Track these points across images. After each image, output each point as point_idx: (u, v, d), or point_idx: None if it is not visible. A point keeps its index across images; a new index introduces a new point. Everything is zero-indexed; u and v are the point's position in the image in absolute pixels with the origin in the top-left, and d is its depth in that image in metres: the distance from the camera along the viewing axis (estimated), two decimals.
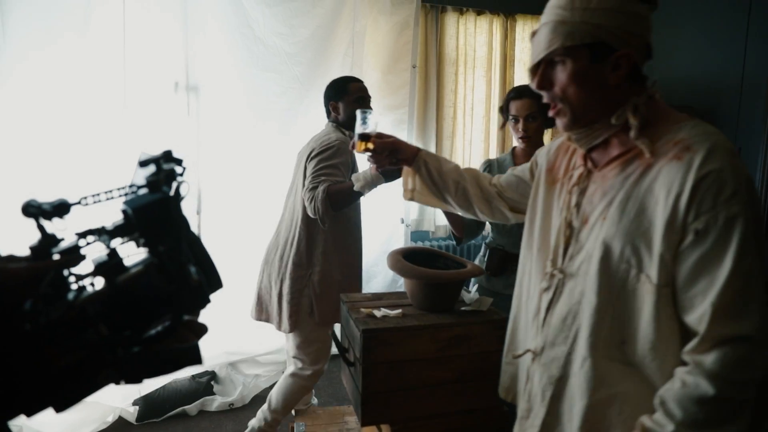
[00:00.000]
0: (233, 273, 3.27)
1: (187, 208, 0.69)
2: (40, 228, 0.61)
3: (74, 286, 0.62)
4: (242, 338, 3.32)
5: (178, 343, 0.67)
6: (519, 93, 2.11)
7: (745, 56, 3.49)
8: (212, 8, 3.10)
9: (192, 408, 2.96)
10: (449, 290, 1.67)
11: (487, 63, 4.23)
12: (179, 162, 0.68)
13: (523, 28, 4.33)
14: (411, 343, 1.56)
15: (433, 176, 1.48)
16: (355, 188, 1.98)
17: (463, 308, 1.70)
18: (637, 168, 0.99)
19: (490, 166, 2.23)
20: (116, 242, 0.63)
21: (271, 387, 3.29)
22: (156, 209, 0.64)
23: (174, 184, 0.66)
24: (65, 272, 0.61)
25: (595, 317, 1.01)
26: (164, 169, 0.66)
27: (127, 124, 2.79)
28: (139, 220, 0.62)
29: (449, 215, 2.08)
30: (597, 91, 1.02)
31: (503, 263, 2.10)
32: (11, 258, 0.62)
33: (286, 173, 3.49)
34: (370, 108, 2.44)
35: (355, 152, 1.87)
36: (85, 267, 0.62)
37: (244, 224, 3.34)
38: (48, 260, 0.60)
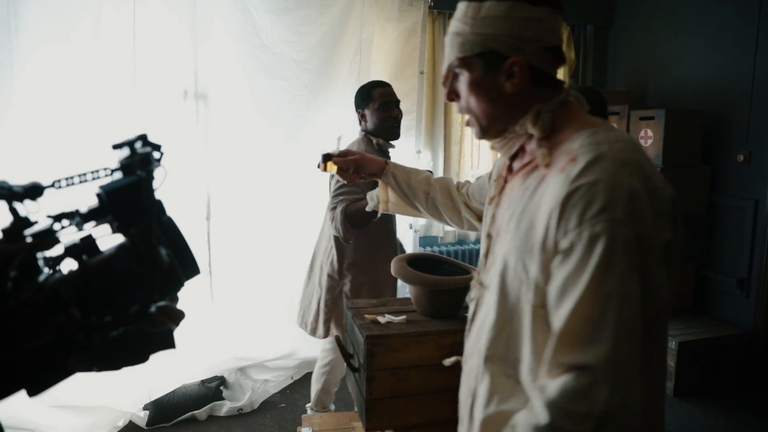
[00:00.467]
0: (241, 279, 3.30)
1: (164, 200, 0.68)
2: (12, 210, 0.61)
3: (47, 270, 0.62)
4: (251, 344, 3.34)
5: (152, 327, 0.67)
6: None
7: (756, 60, 3.46)
8: (220, 17, 3.14)
9: (201, 413, 2.97)
10: (453, 296, 1.68)
11: None
12: (158, 147, 0.67)
13: None
14: (415, 349, 1.56)
15: (402, 188, 1.54)
16: (367, 209, 1.89)
17: (466, 314, 1.69)
18: (535, 179, 0.95)
19: None
20: (90, 226, 0.63)
21: (280, 392, 3.33)
22: (128, 192, 0.63)
23: (149, 168, 0.65)
24: (38, 255, 0.61)
25: (492, 332, 0.98)
26: (138, 153, 0.65)
27: (136, 132, 2.82)
28: (112, 203, 0.62)
29: None
30: (497, 101, 0.98)
31: None
32: None
33: (295, 179, 3.52)
34: (400, 112, 2.46)
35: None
36: (58, 250, 0.62)
37: (253, 230, 3.36)
38: (20, 242, 0.60)
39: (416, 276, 1.65)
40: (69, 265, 0.63)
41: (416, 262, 1.77)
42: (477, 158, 4.31)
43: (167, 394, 2.99)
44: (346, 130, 3.74)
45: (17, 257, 0.59)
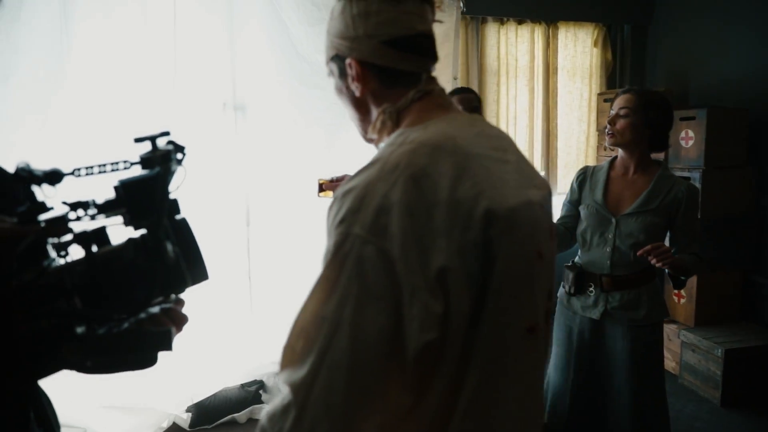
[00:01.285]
0: (281, 284, 3.37)
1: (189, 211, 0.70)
2: (30, 194, 0.62)
3: (55, 256, 0.63)
4: None
5: (151, 327, 0.68)
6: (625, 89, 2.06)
7: None
8: (256, 30, 3.23)
9: (241, 416, 3.05)
10: None
11: (529, 72, 4.21)
12: (181, 148, 0.69)
13: (566, 35, 4.28)
14: None
15: None
16: None
17: None
18: None
19: (584, 173, 2.16)
20: (103, 216, 0.64)
21: None
22: (143, 186, 0.64)
23: (168, 165, 0.66)
24: (48, 240, 0.62)
25: None
26: (159, 149, 0.67)
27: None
28: (127, 195, 0.63)
29: None
30: (356, 106, 0.94)
31: (580, 282, 2.04)
32: None
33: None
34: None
35: None
36: (68, 237, 0.64)
37: (292, 237, 3.43)
38: (33, 226, 0.61)
39: None
40: (78, 254, 0.64)
41: None
42: None
43: (209, 397, 3.07)
44: None
45: (27, 240, 0.60)
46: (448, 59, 3.85)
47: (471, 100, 2.41)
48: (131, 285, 0.65)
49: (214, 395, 3.11)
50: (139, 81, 2.85)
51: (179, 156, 0.69)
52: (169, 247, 0.66)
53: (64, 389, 2.43)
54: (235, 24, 3.15)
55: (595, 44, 4.32)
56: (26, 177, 0.62)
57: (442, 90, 0.95)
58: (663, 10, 4.37)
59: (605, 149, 4.11)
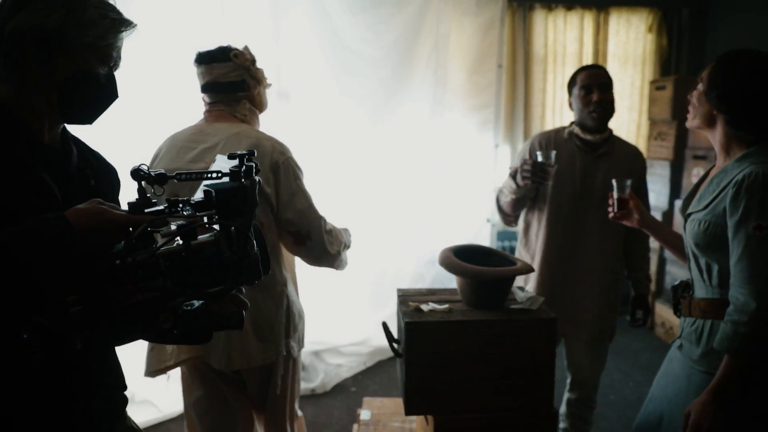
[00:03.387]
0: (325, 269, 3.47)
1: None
2: (141, 190, 0.79)
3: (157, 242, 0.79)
4: (327, 329, 3.51)
5: (228, 307, 0.84)
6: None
7: None
8: (300, 18, 3.32)
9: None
10: (497, 287, 1.70)
11: (577, 60, 4.10)
12: (256, 164, 0.84)
13: (618, 21, 4.14)
14: (454, 337, 1.61)
15: None
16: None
17: (513, 306, 1.72)
18: None
19: None
20: (196, 214, 0.79)
21: (352, 377, 3.48)
22: (234, 194, 0.78)
23: (251, 178, 0.81)
24: (151, 229, 0.77)
25: None
26: (247, 164, 0.81)
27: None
28: (218, 199, 0.77)
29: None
30: None
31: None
32: (114, 206, 0.80)
33: (373, 170, 3.64)
34: (606, 97, 2.08)
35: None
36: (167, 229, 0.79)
37: (335, 219, 3.52)
38: (142, 215, 0.78)
39: (459, 266, 1.70)
40: (173, 243, 0.79)
41: (464, 253, 1.81)
42: None
43: None
44: (423, 124, 3.81)
45: (141, 226, 0.76)
46: (492, 47, 3.82)
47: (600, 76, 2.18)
48: (213, 273, 0.78)
49: None
50: (183, 68, 2.98)
51: (255, 170, 0.82)
52: (255, 245, 0.80)
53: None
54: (279, 11, 3.24)
55: (650, 30, 4.16)
56: (143, 176, 0.78)
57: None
58: None
59: (655, 139, 3.96)
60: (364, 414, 2.36)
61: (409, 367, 1.61)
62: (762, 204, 1.27)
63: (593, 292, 2.17)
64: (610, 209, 1.80)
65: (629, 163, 2.16)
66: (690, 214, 1.48)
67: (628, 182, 1.76)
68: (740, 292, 1.30)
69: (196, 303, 0.80)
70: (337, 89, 3.48)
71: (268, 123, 3.27)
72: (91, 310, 0.72)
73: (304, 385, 3.25)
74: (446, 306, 1.70)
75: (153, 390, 2.90)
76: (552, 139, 2.21)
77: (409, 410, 1.65)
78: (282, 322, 1.69)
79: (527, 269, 1.71)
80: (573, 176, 2.13)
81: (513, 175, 2.07)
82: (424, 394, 1.63)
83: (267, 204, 1.62)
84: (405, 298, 1.81)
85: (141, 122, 2.81)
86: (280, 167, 1.64)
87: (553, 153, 1.99)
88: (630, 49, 4.16)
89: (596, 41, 4.10)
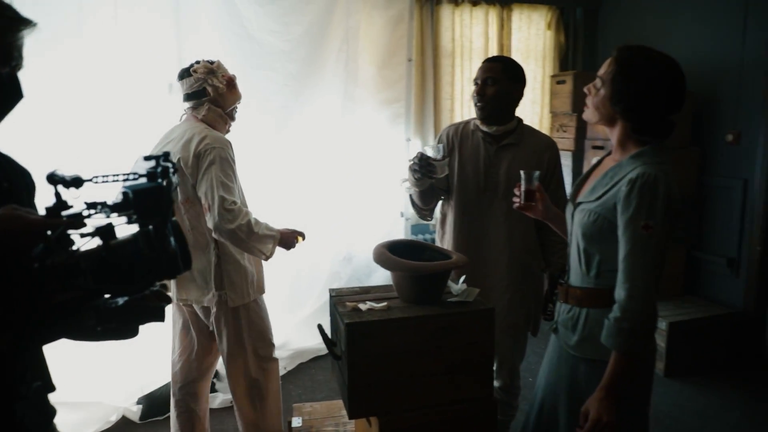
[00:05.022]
0: None
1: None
2: (57, 194, 0.79)
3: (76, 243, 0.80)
4: None
5: (150, 302, 0.87)
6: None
7: (744, 39, 3.45)
8: (204, 8, 3.12)
9: None
10: (435, 282, 1.68)
11: (483, 54, 4.21)
12: (173, 164, 0.87)
13: (519, 17, 4.31)
14: (396, 335, 1.57)
15: None
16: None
17: (449, 299, 1.70)
18: None
19: None
20: (113, 216, 0.80)
21: None
22: (151, 194, 0.81)
23: (168, 178, 0.84)
24: (69, 231, 0.78)
25: None
26: (162, 165, 0.84)
27: (120, 127, 2.81)
28: (136, 200, 0.80)
29: None
30: None
31: None
32: (30, 212, 0.81)
33: (284, 169, 3.52)
34: (488, 89, 2.11)
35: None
36: (85, 230, 0.80)
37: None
38: (59, 219, 0.78)
39: (397, 262, 1.65)
40: (93, 243, 0.80)
41: (398, 248, 1.77)
42: None
43: (160, 388, 3.00)
44: (334, 119, 3.73)
45: (59, 230, 0.77)
46: (402, 41, 3.82)
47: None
48: (134, 269, 0.81)
49: (166, 385, 3.02)
50: (77, 59, 2.70)
51: (172, 169, 0.86)
52: (172, 242, 0.83)
53: None
54: (182, 2, 3.03)
55: (549, 27, 4.37)
56: (58, 181, 0.78)
57: None
58: None
59: (557, 131, 4.17)
60: (296, 421, 2.26)
61: (352, 369, 1.54)
62: (651, 204, 1.33)
63: (502, 284, 2.19)
64: (515, 199, 1.75)
65: (537, 154, 2.15)
66: (580, 204, 1.52)
67: (536, 174, 1.73)
68: (623, 288, 1.35)
69: (120, 300, 0.83)
70: (245, 83, 3.28)
71: (170, 118, 3.07)
72: (13, 313, 0.75)
73: (224, 397, 3.07)
74: (384, 304, 1.65)
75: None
76: (459, 131, 2.24)
77: (353, 413, 1.58)
78: (213, 274, 2.18)
79: (464, 262, 1.70)
80: (477, 167, 2.16)
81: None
82: (367, 395, 1.57)
83: (192, 182, 2.11)
84: (340, 298, 1.74)
85: (47, 125, 2.58)
86: (201, 156, 2.09)
87: (441, 146, 2.02)
88: (531, 44, 4.35)
89: (501, 36, 4.23)
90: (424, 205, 2.27)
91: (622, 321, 1.33)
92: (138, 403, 2.94)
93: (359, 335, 1.53)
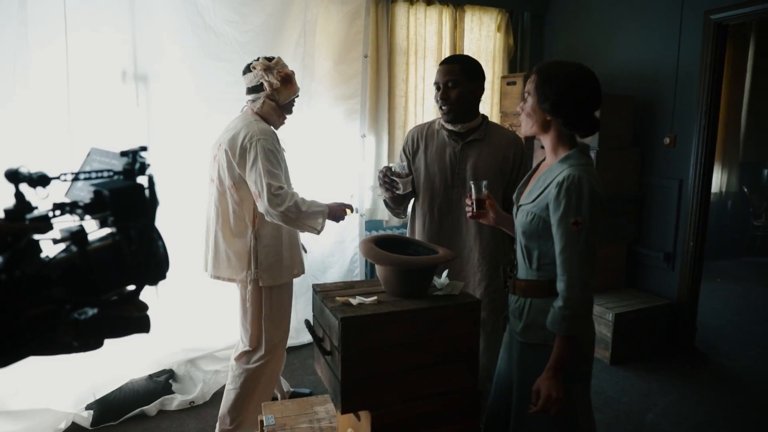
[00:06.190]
0: (186, 268, 3.18)
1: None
2: (19, 194, 0.68)
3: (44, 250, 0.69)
4: (200, 334, 3.25)
5: (132, 312, 0.76)
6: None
7: (680, 47, 3.70)
8: None
9: (151, 408, 2.87)
10: (423, 276, 1.70)
11: (437, 53, 4.28)
12: (148, 163, 0.78)
13: (471, 18, 4.41)
14: (388, 329, 1.57)
15: None
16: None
17: (435, 293, 1.73)
18: None
19: None
20: (86, 217, 0.71)
21: None
22: (130, 193, 0.73)
23: (151, 175, 0.76)
24: (35, 236, 0.68)
25: None
26: (138, 161, 0.75)
27: (72, 115, 2.65)
28: (113, 200, 0.71)
29: None
30: None
31: None
32: None
33: None
34: (450, 93, 2.14)
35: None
36: (54, 235, 0.70)
37: (195, 216, 3.25)
38: (22, 223, 0.67)
39: (386, 257, 1.66)
40: (59, 249, 0.70)
41: (382, 243, 1.77)
42: None
43: (113, 392, 2.85)
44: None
45: (25, 235, 0.66)
46: (358, 37, 3.82)
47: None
48: (115, 278, 0.72)
49: (119, 389, 2.89)
50: (27, 48, 2.52)
51: (149, 162, 0.78)
52: (160, 244, 0.75)
53: None
54: None
55: (498, 29, 4.50)
56: (17, 179, 0.68)
57: None
58: (558, 0, 4.64)
59: None
60: (267, 419, 2.22)
61: (345, 363, 1.53)
62: (578, 203, 1.49)
63: (474, 279, 2.23)
64: (468, 209, 1.86)
65: (503, 149, 2.20)
66: (521, 205, 1.68)
67: (484, 183, 1.83)
68: (562, 280, 1.52)
69: (90, 311, 0.72)
70: (200, 73, 3.20)
71: (124, 106, 2.92)
72: None
73: (182, 398, 2.97)
74: (374, 298, 1.65)
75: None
76: (424, 132, 2.29)
77: (346, 408, 1.58)
78: (249, 256, 2.43)
79: (452, 256, 1.73)
80: (443, 165, 2.21)
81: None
82: (360, 389, 1.57)
83: (238, 171, 2.36)
84: (326, 293, 1.73)
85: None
86: (247, 149, 2.33)
87: (405, 164, 2.14)
88: (482, 45, 4.46)
89: (453, 37, 4.32)
90: (395, 206, 2.33)
91: (565, 309, 1.50)
92: (88, 408, 2.78)
93: (354, 330, 1.52)
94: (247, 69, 2.46)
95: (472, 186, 1.83)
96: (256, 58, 2.46)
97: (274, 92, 2.44)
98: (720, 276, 5.65)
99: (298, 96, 2.57)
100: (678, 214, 3.78)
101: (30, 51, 2.53)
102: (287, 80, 2.46)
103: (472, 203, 1.83)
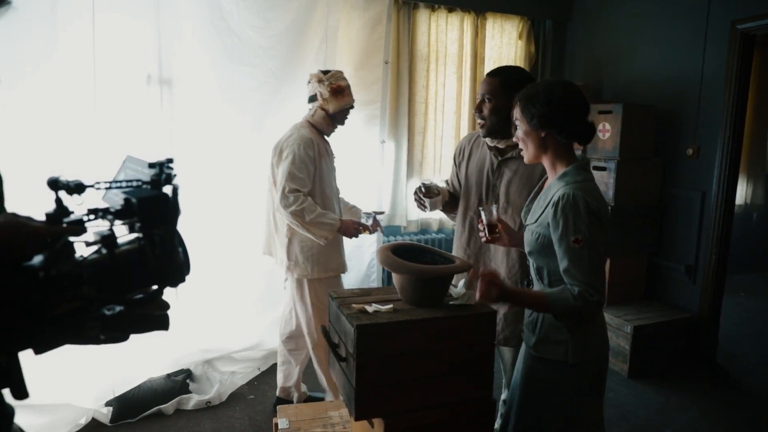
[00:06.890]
0: (207, 269, 3.23)
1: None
2: (59, 200, 0.76)
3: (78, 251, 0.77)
4: (217, 335, 3.29)
5: (154, 311, 0.84)
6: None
7: (704, 57, 3.65)
8: (185, 0, 3.04)
9: (168, 407, 2.91)
10: (439, 285, 1.70)
11: (458, 60, 4.29)
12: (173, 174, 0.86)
13: (493, 26, 4.40)
14: (403, 337, 1.58)
15: None
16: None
17: (451, 302, 1.73)
18: None
19: None
20: (117, 223, 0.78)
21: (248, 384, 3.29)
22: (156, 202, 0.79)
23: (175, 185, 0.82)
24: (70, 239, 0.76)
25: None
26: (166, 172, 0.82)
27: (98, 119, 2.71)
28: (141, 208, 0.78)
29: None
30: None
31: None
32: (31, 218, 0.78)
33: (259, 168, 3.46)
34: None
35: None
36: (86, 237, 0.78)
37: (218, 219, 3.30)
38: (60, 226, 0.76)
39: (403, 265, 1.67)
40: (91, 251, 0.78)
41: (399, 251, 1.78)
42: (440, 149, 4.36)
43: (132, 389, 2.90)
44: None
45: (63, 237, 0.74)
46: (379, 43, 3.84)
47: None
48: (139, 279, 0.79)
49: (138, 387, 2.94)
50: (55, 51, 2.58)
51: (174, 173, 0.84)
52: (180, 251, 0.82)
53: None
54: None
55: (520, 37, 4.48)
56: (58, 186, 0.75)
57: None
58: (581, 8, 4.61)
59: None
60: (282, 423, 2.24)
61: (361, 370, 1.54)
62: (575, 221, 1.51)
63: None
64: (481, 234, 1.89)
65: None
66: (527, 225, 1.71)
67: (494, 207, 1.87)
68: (575, 284, 1.53)
69: (117, 308, 0.80)
70: (224, 77, 3.25)
71: (148, 109, 2.98)
72: (16, 326, 0.72)
73: (198, 398, 3.00)
74: (390, 306, 1.66)
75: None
76: (473, 140, 2.31)
77: (359, 415, 1.58)
78: (286, 251, 2.73)
79: (468, 266, 1.73)
80: (480, 179, 2.22)
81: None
82: (374, 397, 1.58)
83: (275, 170, 2.70)
84: (342, 300, 1.74)
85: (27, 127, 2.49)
86: (282, 150, 2.65)
87: (434, 186, 2.20)
88: (504, 53, 4.45)
89: (475, 44, 4.32)
90: (444, 212, 2.43)
91: (577, 299, 1.51)
92: (108, 404, 2.83)
93: (370, 337, 1.53)
94: (308, 80, 2.76)
95: (482, 211, 1.87)
96: (316, 71, 2.75)
97: (324, 102, 2.68)
98: (744, 290, 5.55)
99: (352, 107, 2.76)
100: (700, 226, 3.72)
101: (57, 59, 2.59)
102: (338, 92, 2.68)
103: (484, 228, 1.87)
